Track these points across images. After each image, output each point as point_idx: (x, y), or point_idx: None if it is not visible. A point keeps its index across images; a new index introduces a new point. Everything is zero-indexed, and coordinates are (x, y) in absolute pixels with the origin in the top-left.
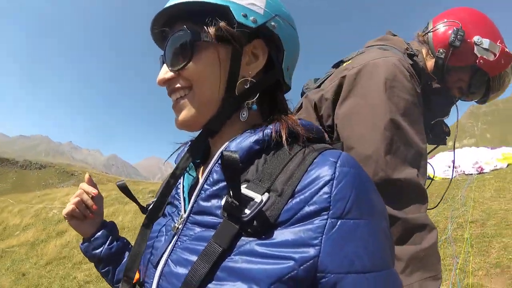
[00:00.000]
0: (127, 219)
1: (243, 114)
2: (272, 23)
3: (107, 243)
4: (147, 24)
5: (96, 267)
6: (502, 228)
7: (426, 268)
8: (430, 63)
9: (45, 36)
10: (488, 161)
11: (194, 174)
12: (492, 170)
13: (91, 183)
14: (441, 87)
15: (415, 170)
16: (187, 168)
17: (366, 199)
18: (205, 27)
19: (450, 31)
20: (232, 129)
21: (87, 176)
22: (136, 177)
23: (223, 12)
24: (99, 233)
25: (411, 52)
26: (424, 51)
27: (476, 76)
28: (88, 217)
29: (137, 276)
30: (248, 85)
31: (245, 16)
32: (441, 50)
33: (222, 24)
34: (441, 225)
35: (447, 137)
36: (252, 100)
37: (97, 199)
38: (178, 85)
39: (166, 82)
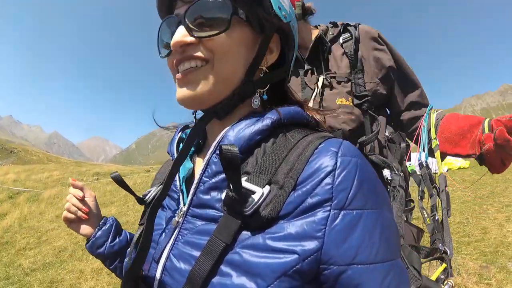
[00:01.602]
0: None
1: (255, 101)
2: (292, 24)
3: (109, 241)
4: None
5: (104, 265)
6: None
7: None
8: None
9: None
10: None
11: (189, 164)
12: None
13: (77, 186)
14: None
15: None
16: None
17: (369, 189)
18: (243, 5)
19: None
20: (234, 116)
21: (71, 180)
22: (78, 157)
23: None
24: (99, 232)
25: None
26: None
27: None
28: (84, 219)
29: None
30: (263, 75)
31: (280, 9)
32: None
33: (261, 9)
34: None
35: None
36: (263, 90)
37: (88, 200)
38: (199, 53)
39: (184, 46)
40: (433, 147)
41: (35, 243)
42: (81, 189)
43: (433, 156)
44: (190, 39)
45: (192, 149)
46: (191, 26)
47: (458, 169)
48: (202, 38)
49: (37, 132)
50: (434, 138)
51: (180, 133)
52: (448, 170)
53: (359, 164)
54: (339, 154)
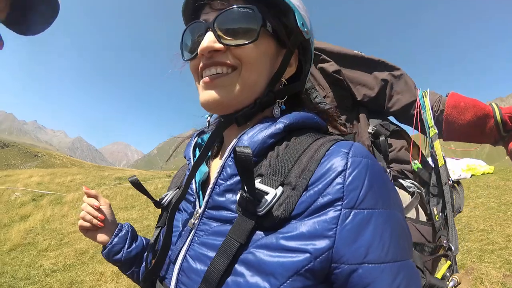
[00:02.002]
0: None
1: (276, 111)
2: (311, 40)
3: (125, 247)
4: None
5: (121, 270)
6: (466, 233)
7: None
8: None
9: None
10: (453, 170)
11: (204, 168)
12: (457, 179)
13: (91, 194)
14: None
15: None
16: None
17: (380, 189)
18: (270, 18)
19: None
20: (251, 123)
21: (84, 189)
22: (101, 162)
23: (285, 12)
24: (115, 239)
25: None
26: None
27: None
28: (99, 227)
29: None
30: (282, 86)
31: (303, 25)
32: None
33: (287, 24)
34: None
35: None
36: (282, 100)
37: (102, 208)
38: (226, 60)
39: (212, 52)
40: (431, 135)
41: (56, 245)
42: (95, 197)
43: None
44: (218, 45)
45: (208, 153)
46: (220, 33)
47: (482, 174)
48: (231, 46)
49: (61, 136)
50: (432, 126)
51: (196, 138)
52: (472, 175)
53: (370, 164)
54: (350, 155)
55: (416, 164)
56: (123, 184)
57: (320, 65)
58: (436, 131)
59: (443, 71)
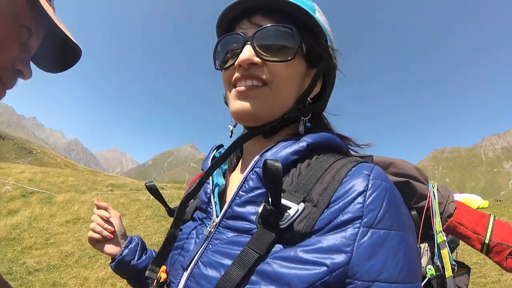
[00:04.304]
0: (83, 210)
1: (301, 128)
2: (336, 63)
3: (135, 259)
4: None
5: (129, 283)
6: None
7: None
8: None
9: None
10: None
11: (221, 180)
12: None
13: (101, 206)
14: None
15: None
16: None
17: (396, 212)
18: (305, 40)
19: None
20: (275, 138)
21: (95, 201)
22: (95, 167)
23: (319, 36)
24: (125, 251)
25: None
26: None
27: None
28: (109, 238)
29: (164, 276)
30: (307, 104)
31: (332, 50)
32: None
33: (319, 47)
34: None
35: None
36: (306, 118)
37: (112, 220)
38: (261, 74)
39: (250, 65)
40: (438, 242)
41: (42, 244)
42: (106, 209)
43: (440, 253)
44: (257, 59)
45: (225, 166)
46: (258, 49)
47: (476, 208)
48: (269, 61)
49: (58, 136)
50: (440, 232)
51: (214, 151)
52: None
53: (389, 188)
54: (371, 177)
55: (431, 271)
56: (115, 191)
57: None
58: (445, 238)
59: (439, 105)
